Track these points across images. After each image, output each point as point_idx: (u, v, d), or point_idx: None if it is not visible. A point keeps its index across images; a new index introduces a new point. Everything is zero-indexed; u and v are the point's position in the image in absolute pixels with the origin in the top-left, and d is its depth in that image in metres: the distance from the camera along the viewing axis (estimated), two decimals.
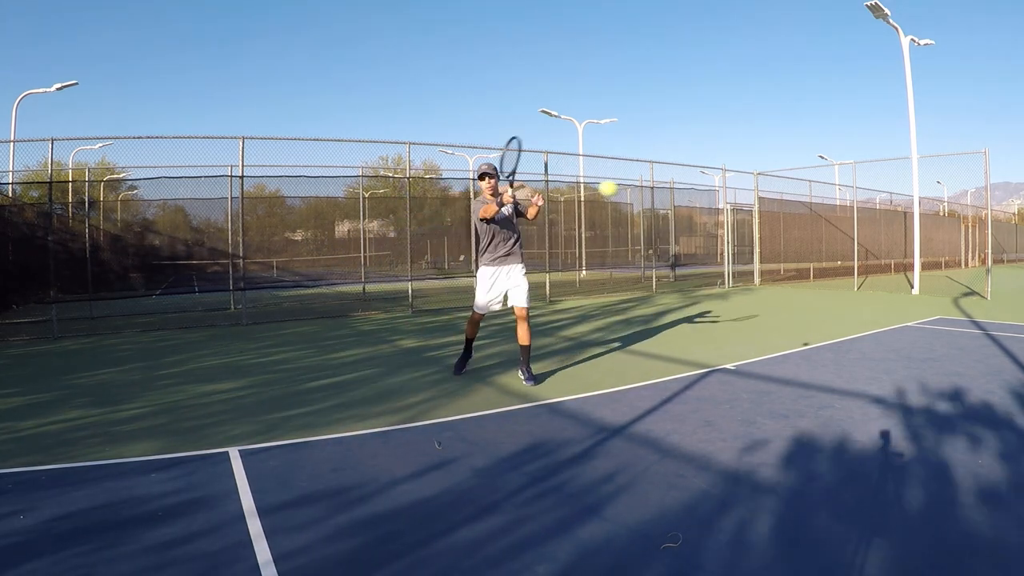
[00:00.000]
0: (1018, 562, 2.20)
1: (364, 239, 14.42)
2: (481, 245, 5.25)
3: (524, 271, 5.23)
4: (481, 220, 5.06)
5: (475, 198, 5.39)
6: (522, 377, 5.18)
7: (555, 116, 25.97)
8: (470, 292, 14.25)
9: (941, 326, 8.27)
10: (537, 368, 5.70)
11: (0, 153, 14.63)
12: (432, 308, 11.50)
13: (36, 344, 7.89)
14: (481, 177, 5.03)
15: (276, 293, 14.46)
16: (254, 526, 2.56)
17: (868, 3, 12.84)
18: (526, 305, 5.13)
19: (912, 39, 14.05)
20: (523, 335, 5.15)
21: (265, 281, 14.90)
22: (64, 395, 5.00)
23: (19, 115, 17.41)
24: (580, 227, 18.01)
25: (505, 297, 5.23)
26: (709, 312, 10.31)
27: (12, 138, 14.24)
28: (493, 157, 22.41)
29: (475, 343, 5.66)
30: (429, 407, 4.46)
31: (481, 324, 5.66)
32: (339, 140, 11.46)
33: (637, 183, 16.41)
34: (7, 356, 7.00)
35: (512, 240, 5.22)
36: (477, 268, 5.44)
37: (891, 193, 20.88)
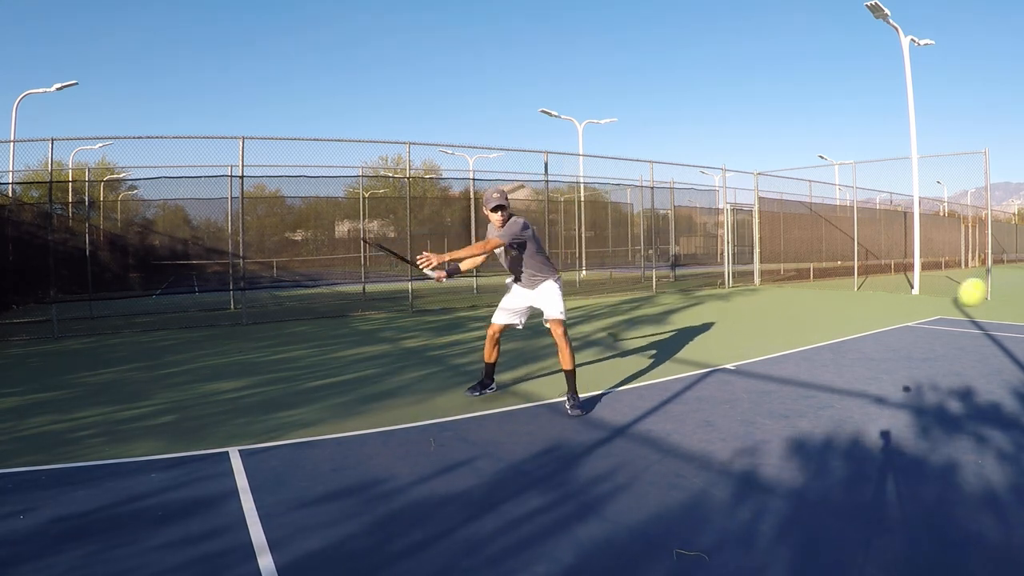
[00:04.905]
0: (1019, 563, 2.21)
1: (364, 239, 14.41)
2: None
3: (552, 286, 4.44)
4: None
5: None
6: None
7: (555, 116, 25.96)
8: (470, 292, 14.28)
9: (941, 326, 8.27)
10: (538, 367, 5.70)
11: (0, 153, 14.60)
12: (432, 308, 11.49)
13: (36, 344, 7.89)
14: (494, 209, 4.22)
15: (276, 293, 14.47)
16: (254, 526, 2.56)
17: (868, 3, 12.84)
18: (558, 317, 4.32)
19: (912, 39, 14.04)
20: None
21: (265, 281, 14.89)
22: (64, 395, 5.00)
23: (19, 115, 17.40)
24: (580, 227, 18.00)
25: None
26: (709, 312, 10.31)
27: (12, 138, 14.23)
28: (494, 157, 22.35)
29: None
30: (429, 407, 4.46)
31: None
32: (339, 140, 11.48)
33: (637, 183, 16.42)
34: (7, 356, 7.00)
35: (523, 267, 4.43)
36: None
37: (891, 193, 20.89)
